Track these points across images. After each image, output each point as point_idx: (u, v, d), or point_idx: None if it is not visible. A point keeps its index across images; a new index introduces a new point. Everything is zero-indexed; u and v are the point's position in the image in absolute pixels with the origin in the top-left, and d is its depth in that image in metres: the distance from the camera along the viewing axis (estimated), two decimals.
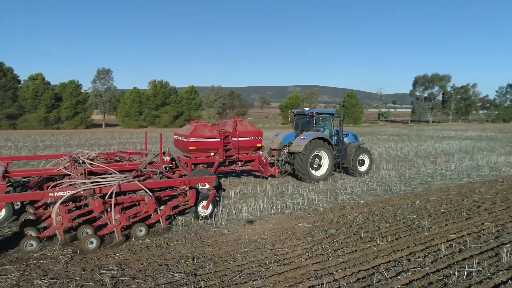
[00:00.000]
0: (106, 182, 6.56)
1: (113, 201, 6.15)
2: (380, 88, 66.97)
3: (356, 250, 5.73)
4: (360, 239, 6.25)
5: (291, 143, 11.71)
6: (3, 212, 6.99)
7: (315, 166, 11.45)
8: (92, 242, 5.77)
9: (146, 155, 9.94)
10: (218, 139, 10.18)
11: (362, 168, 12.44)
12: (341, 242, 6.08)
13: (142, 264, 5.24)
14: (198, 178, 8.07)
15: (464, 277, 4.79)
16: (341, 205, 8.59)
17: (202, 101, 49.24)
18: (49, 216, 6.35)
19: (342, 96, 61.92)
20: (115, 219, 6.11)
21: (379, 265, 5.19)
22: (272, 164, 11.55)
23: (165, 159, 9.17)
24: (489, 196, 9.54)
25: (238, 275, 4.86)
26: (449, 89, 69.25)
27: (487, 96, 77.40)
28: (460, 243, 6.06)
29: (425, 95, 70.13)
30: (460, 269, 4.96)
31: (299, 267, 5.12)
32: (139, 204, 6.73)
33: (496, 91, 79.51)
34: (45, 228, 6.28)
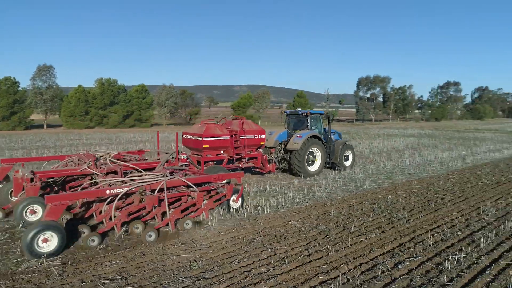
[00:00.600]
0: (156, 179, 6.98)
1: (165, 195, 6.69)
2: (327, 88, 69.73)
3: (351, 245, 5.99)
4: (350, 233, 6.55)
5: (286, 141, 12.53)
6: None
7: (309, 162, 12.27)
8: (151, 236, 6.15)
9: (158, 153, 10.25)
10: (228, 138, 10.87)
11: (347, 163, 13.63)
12: (334, 238, 6.33)
13: (144, 271, 5.02)
14: (229, 174, 8.55)
15: (455, 263, 5.25)
16: (321, 202, 8.90)
17: (153, 100, 47.58)
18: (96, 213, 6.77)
19: (288, 96, 63.66)
20: (169, 213, 6.66)
21: (377, 257, 5.50)
22: (269, 162, 12.20)
23: (181, 157, 9.22)
24: (448, 188, 10.46)
25: (248, 276, 4.87)
26: (389, 90, 74.31)
27: (421, 96, 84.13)
28: (439, 232, 6.61)
29: (368, 95, 74.56)
30: (448, 257, 5.43)
31: (303, 264, 5.25)
32: (180, 199, 7.28)
33: (429, 92, 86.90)
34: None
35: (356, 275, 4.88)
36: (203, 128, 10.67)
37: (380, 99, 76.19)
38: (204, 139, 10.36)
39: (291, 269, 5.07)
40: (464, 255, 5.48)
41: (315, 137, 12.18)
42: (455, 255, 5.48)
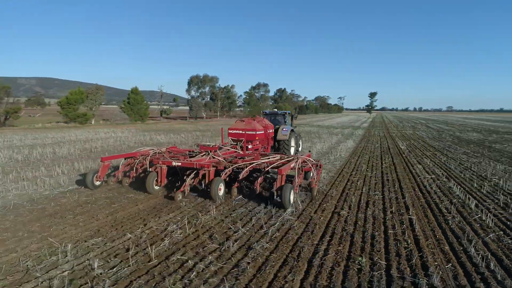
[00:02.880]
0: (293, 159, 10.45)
1: (314, 167, 10.46)
2: (160, 85, 69.23)
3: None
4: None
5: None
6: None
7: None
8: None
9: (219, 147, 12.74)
10: (263, 132, 14.75)
11: (300, 148, 19.23)
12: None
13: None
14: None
15: None
16: None
17: None
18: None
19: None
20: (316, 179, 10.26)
21: None
22: None
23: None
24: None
25: None
26: (216, 89, 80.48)
27: (241, 96, 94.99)
28: None
29: (198, 94, 78.65)
30: None
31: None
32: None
33: (246, 92, 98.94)
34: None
35: None
36: (254, 124, 14.45)
37: (208, 98, 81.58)
38: (256, 132, 14.09)
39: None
40: None
41: (292, 130, 17.14)
42: None
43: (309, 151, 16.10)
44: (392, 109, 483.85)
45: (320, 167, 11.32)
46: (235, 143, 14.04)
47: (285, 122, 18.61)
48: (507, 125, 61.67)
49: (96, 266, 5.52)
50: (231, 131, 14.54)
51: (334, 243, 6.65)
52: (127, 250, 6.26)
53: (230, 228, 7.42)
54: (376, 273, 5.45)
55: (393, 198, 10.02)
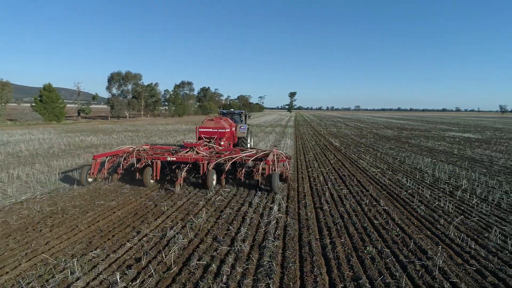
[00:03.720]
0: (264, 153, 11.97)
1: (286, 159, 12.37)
2: (77, 82, 63.34)
3: None
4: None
5: None
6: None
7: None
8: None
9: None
10: (229, 129, 16.18)
11: (252, 145, 21.34)
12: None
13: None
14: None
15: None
16: None
17: None
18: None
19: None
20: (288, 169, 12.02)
21: None
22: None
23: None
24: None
25: None
26: (139, 87, 76.43)
27: (165, 94, 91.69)
28: None
29: (119, 92, 73.86)
30: None
31: None
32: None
33: (172, 90, 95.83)
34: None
35: None
36: (223, 123, 15.86)
37: (130, 96, 77.28)
38: (226, 130, 15.51)
39: None
40: None
41: (247, 128, 18.71)
42: None
43: (275, 146, 17.64)
44: (307, 108, 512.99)
45: (290, 159, 13.00)
46: (208, 141, 15.35)
47: (241, 120, 20.29)
48: (409, 123, 70.11)
49: (118, 280, 5.13)
50: (202, 130, 15.64)
51: (334, 236, 7.11)
52: (138, 260, 5.92)
53: (230, 229, 7.43)
54: (387, 260, 6.03)
55: (359, 191, 10.92)
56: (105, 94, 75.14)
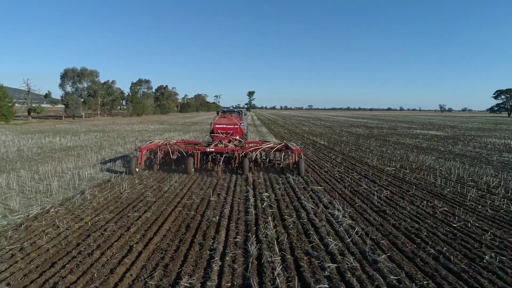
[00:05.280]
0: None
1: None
2: (27, 79, 57.91)
3: None
4: None
5: None
6: None
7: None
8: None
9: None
10: (238, 126, 16.77)
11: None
12: None
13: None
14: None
15: None
16: None
17: None
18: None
19: None
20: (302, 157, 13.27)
21: None
22: None
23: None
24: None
25: None
26: (96, 84, 71.63)
27: (123, 92, 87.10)
28: None
29: (74, 89, 68.66)
30: None
31: None
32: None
33: (130, 88, 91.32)
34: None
35: None
36: (234, 120, 16.97)
37: (85, 94, 72.41)
38: (236, 126, 16.57)
39: None
40: None
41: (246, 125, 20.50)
42: None
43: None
44: (261, 107, 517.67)
45: (301, 150, 14.06)
46: (224, 135, 16.70)
47: (241, 118, 20.40)
48: (370, 121, 72.77)
49: None
50: (217, 125, 16.89)
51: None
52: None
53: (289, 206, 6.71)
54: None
55: (400, 191, 10.56)
56: (58, 94, 69.65)
